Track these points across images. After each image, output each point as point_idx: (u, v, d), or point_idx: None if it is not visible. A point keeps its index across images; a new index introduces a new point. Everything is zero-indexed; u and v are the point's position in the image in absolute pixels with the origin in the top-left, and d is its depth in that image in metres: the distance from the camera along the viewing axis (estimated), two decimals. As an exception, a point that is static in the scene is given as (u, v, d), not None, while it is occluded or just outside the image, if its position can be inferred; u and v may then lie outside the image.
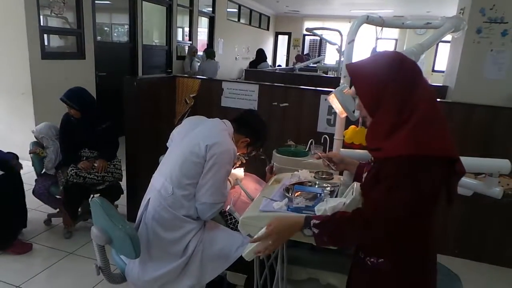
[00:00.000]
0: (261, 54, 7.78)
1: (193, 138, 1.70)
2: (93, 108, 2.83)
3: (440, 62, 10.98)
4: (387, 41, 12.45)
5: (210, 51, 7.08)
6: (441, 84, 5.21)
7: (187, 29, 7.89)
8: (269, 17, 13.04)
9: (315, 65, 7.54)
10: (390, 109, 1.04)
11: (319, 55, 12.73)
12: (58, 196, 2.87)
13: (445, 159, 1.02)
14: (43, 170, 2.92)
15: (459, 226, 2.79)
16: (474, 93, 4.17)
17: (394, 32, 12.29)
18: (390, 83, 1.05)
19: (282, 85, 3.35)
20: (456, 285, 1.70)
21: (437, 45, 11.18)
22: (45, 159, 2.86)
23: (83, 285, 2.29)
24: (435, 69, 11.46)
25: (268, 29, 13.25)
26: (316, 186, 1.57)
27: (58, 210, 2.98)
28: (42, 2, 4.21)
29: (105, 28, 5.93)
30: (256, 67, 7.33)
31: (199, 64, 7.02)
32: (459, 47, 4.42)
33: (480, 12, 4.17)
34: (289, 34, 13.97)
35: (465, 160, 1.53)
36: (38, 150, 2.83)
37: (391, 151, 1.03)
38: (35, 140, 2.95)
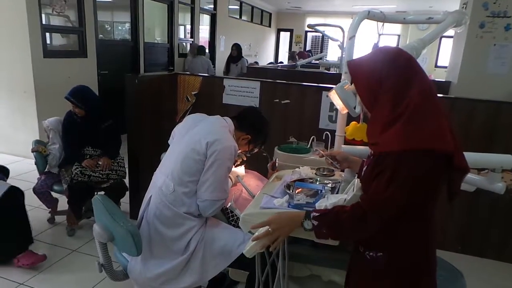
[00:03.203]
0: (240, 49, 7.02)
1: (194, 135, 1.70)
2: (97, 106, 2.84)
3: (443, 57, 10.90)
4: (390, 36, 12.38)
5: (199, 47, 7.03)
6: (443, 80, 5.18)
7: (188, 27, 7.88)
8: (270, 14, 12.99)
9: (317, 61, 7.52)
10: (385, 104, 1.05)
11: (321, 52, 12.69)
12: (60, 194, 2.89)
13: (440, 153, 1.01)
14: (46, 169, 2.92)
15: (462, 222, 2.78)
16: (477, 88, 4.14)
17: (396, 28, 12.23)
18: (385, 79, 1.06)
19: (284, 82, 3.34)
20: (459, 282, 1.70)
21: (440, 40, 11.14)
22: (49, 157, 2.85)
23: (87, 282, 2.30)
24: (438, 64, 11.39)
25: (270, 26, 13.21)
26: (317, 183, 1.57)
27: (50, 210, 2.98)
28: (43, 1, 4.21)
29: (107, 26, 5.93)
30: (236, 64, 6.75)
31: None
32: (462, 42, 4.40)
33: (483, 7, 4.14)
34: (291, 30, 13.92)
35: (467, 156, 1.52)
36: (40, 149, 2.83)
37: (385, 145, 1.04)
38: (37, 139, 2.96)
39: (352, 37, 1.94)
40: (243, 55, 7.10)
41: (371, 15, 1.98)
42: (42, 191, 2.85)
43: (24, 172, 3.97)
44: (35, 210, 3.14)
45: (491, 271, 2.65)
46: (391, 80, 1.05)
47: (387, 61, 1.08)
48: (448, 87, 4.71)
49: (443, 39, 11.06)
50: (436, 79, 7.18)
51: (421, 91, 1.04)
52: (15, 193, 2.42)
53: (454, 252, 2.74)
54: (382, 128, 1.05)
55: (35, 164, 2.90)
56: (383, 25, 2.13)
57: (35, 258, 2.42)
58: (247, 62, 7.41)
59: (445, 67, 6.66)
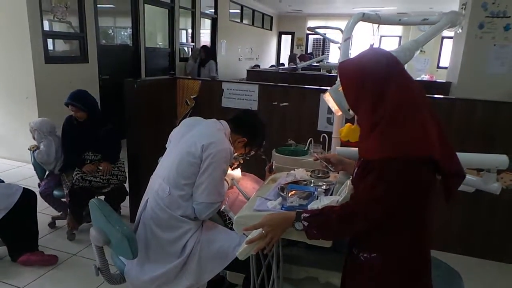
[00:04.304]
0: (208, 51, 6.77)
1: (189, 138, 1.71)
2: (97, 109, 2.86)
3: (445, 58, 10.88)
4: (391, 38, 12.38)
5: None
6: (444, 80, 5.17)
7: (190, 31, 7.92)
8: (272, 17, 13.03)
9: (318, 64, 7.51)
10: (366, 107, 1.06)
11: (323, 54, 12.69)
12: (62, 199, 2.91)
13: (422, 158, 1.00)
14: (46, 175, 2.94)
15: (462, 223, 2.76)
16: (477, 89, 4.14)
17: (398, 29, 12.23)
18: (366, 83, 1.06)
19: (282, 84, 3.35)
20: (456, 282, 1.69)
21: (442, 41, 11.12)
22: (35, 152, 2.84)
23: (87, 286, 2.31)
24: (440, 65, 11.37)
25: (271, 29, 13.25)
26: (312, 185, 1.57)
27: (61, 213, 3.01)
28: (44, 7, 4.26)
29: (108, 32, 5.98)
30: (204, 66, 6.60)
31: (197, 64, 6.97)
32: (462, 43, 4.39)
33: (482, 7, 4.14)
34: (292, 33, 13.96)
35: (462, 156, 1.52)
36: (30, 146, 2.88)
37: (367, 153, 1.04)
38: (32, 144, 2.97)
39: (347, 39, 1.95)
40: (214, 57, 6.86)
41: (366, 17, 1.99)
42: (47, 194, 2.87)
43: (27, 177, 4.00)
44: (37, 214, 3.15)
45: (492, 273, 2.63)
46: (369, 82, 1.05)
47: (368, 63, 1.08)
48: (449, 88, 4.70)
49: (444, 40, 11.04)
50: (438, 80, 7.18)
51: (398, 93, 1.03)
52: (29, 196, 2.49)
53: (454, 254, 2.72)
54: (365, 133, 1.06)
55: (35, 170, 2.92)
56: (378, 26, 2.14)
57: (48, 257, 2.51)
58: (217, 64, 7.19)
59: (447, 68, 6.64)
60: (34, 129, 2.88)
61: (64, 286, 2.35)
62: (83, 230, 2.96)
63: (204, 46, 6.99)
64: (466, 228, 2.77)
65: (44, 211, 3.13)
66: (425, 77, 8.93)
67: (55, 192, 2.88)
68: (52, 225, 3.03)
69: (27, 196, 2.46)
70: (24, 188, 2.46)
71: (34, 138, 2.91)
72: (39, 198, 2.86)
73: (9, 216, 2.31)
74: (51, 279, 2.40)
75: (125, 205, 3.13)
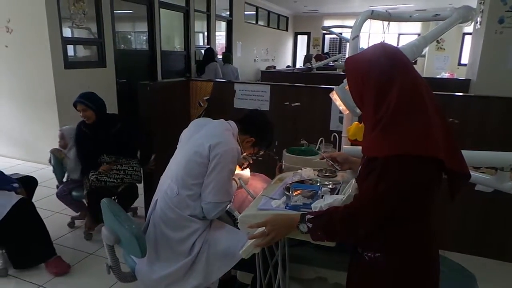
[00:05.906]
0: (209, 53, 6.69)
1: (197, 139, 1.73)
2: (105, 108, 2.90)
3: (467, 55, 10.59)
4: (410, 36, 12.15)
5: (225, 55, 7.10)
6: (463, 78, 5.04)
7: (205, 34, 8.00)
8: (287, 18, 13.01)
9: (334, 63, 7.46)
10: (369, 105, 1.05)
11: (339, 54, 12.58)
12: (83, 200, 2.99)
13: (425, 157, 0.98)
14: (64, 178, 3.02)
15: (478, 224, 2.68)
16: (497, 85, 4.00)
17: (416, 27, 11.99)
18: (368, 78, 1.04)
19: (294, 84, 3.35)
20: (470, 285, 1.65)
21: (463, 38, 10.83)
22: (65, 161, 2.92)
23: (103, 284, 2.37)
24: (462, 62, 11.07)
25: (287, 30, 13.23)
26: (318, 184, 1.56)
27: (79, 213, 3.10)
28: (63, 14, 4.40)
29: (126, 36, 6.11)
30: (205, 68, 6.51)
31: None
32: (481, 38, 4.26)
33: (502, 1, 4.00)
34: (308, 33, 13.89)
35: (474, 154, 1.49)
36: (56, 152, 2.94)
37: (369, 151, 1.03)
38: (55, 147, 3.03)
39: (355, 37, 1.93)
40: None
41: (375, 15, 1.98)
42: (64, 195, 2.95)
43: (47, 179, 4.13)
44: (56, 215, 3.26)
45: (509, 275, 2.54)
46: (372, 80, 1.04)
47: (371, 59, 1.07)
48: (468, 85, 4.58)
49: (466, 36, 10.75)
50: (459, 78, 7.00)
51: (400, 91, 1.01)
52: (26, 205, 2.44)
53: (470, 255, 2.65)
54: (368, 131, 1.05)
55: (53, 172, 3.00)
56: (388, 24, 2.11)
57: (60, 268, 2.49)
58: (217, 65, 6.78)
59: (467, 65, 6.45)
60: (70, 137, 2.93)
61: (80, 284, 2.41)
62: (100, 230, 3.03)
63: (210, 48, 6.99)
64: (482, 228, 2.69)
65: (64, 211, 3.23)
66: (445, 75, 8.73)
67: (74, 193, 2.96)
68: (71, 224, 3.12)
69: (22, 206, 2.39)
70: (21, 198, 2.42)
71: (62, 145, 2.96)
72: (56, 200, 2.96)
73: (4, 227, 2.30)
74: (68, 277, 2.46)
75: (141, 205, 3.19)
